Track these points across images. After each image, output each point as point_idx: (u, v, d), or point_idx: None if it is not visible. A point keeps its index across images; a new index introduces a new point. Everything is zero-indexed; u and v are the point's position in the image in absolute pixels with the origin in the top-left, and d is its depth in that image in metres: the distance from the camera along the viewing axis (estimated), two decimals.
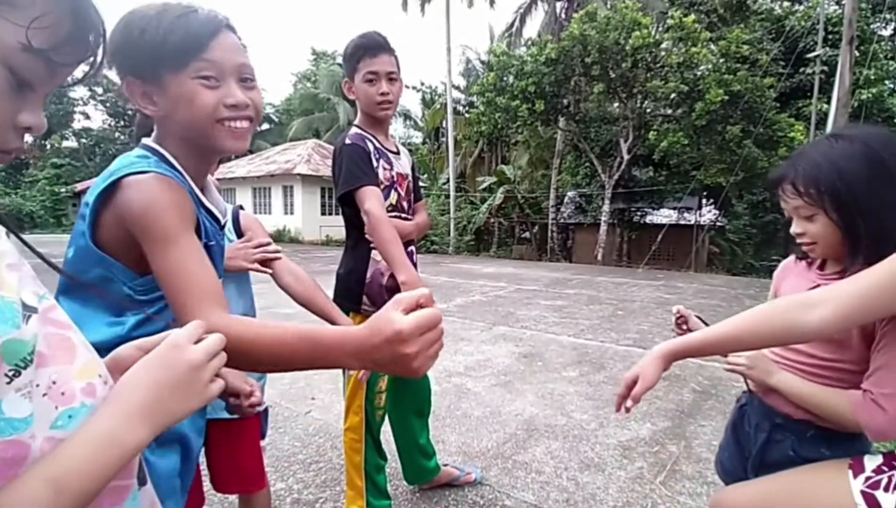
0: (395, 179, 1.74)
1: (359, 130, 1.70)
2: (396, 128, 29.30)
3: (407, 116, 25.50)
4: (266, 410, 1.57)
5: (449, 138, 17.95)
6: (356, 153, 1.62)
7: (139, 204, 0.71)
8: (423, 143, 24.72)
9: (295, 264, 1.48)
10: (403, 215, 1.77)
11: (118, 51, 0.74)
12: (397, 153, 1.80)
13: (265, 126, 33.13)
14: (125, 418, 0.46)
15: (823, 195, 0.92)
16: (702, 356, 0.94)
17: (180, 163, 0.80)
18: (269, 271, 1.39)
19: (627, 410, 0.96)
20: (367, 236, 1.64)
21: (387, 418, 1.90)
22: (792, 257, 1.19)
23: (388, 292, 1.69)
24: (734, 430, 1.17)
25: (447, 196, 17.93)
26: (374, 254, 1.67)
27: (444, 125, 21.00)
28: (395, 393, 1.89)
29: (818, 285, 0.98)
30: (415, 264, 1.70)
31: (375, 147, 1.69)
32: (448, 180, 18.07)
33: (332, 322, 1.40)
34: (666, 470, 2.36)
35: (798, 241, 1.02)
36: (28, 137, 0.48)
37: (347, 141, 1.65)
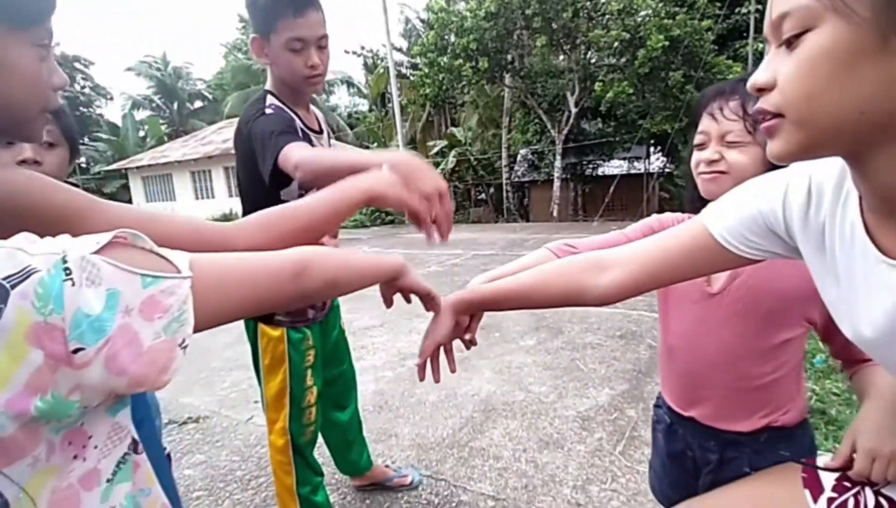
0: None
1: (278, 104, 1.34)
2: (340, 97, 28.00)
3: (350, 82, 24.32)
4: (168, 455, 1.34)
5: (395, 104, 17.25)
6: (278, 117, 1.28)
7: None
8: (370, 110, 23.78)
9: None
10: None
11: None
12: (319, 132, 1.50)
13: (197, 104, 30.66)
14: None
15: None
16: (499, 309, 0.86)
17: None
18: None
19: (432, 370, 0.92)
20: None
21: None
22: (669, 216, 1.01)
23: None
24: (674, 457, 1.02)
25: None
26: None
27: (389, 90, 20.21)
28: None
29: None
30: None
31: (299, 126, 1.36)
32: (398, 147, 17.56)
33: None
34: (625, 438, 2.31)
35: (703, 169, 0.87)
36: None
37: (268, 111, 1.29)
